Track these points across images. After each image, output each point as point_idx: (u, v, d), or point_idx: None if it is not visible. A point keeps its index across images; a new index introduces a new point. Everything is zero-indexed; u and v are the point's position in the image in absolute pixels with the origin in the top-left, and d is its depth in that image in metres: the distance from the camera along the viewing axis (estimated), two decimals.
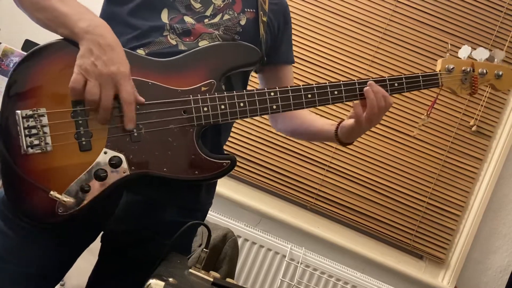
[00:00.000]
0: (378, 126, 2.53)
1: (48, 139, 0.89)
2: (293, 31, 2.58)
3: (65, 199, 0.88)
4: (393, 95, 1.11)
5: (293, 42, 2.54)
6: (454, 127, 2.54)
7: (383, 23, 2.58)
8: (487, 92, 2.51)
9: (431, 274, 2.55)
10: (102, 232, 1.08)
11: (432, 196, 2.53)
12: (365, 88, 1.06)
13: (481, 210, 2.50)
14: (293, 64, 1.34)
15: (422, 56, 2.56)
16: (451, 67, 1.16)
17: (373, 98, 1.05)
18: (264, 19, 1.12)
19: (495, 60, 1.19)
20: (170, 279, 0.78)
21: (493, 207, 2.53)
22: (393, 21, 2.58)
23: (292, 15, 2.72)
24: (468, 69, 1.17)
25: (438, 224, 2.53)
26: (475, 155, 2.55)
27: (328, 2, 2.59)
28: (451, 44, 1.55)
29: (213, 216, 2.31)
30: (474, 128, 2.53)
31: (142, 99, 0.93)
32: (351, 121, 1.11)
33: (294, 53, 2.52)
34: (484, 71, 1.18)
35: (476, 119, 2.54)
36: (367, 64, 2.57)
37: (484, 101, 2.54)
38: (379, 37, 2.58)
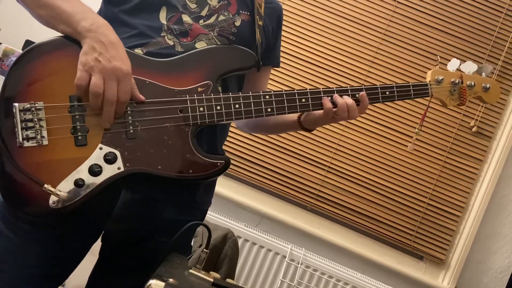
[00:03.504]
0: (378, 126, 2.53)
1: (44, 133, 0.90)
2: (293, 32, 2.61)
3: (58, 192, 0.88)
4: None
5: (293, 43, 2.57)
6: (454, 128, 2.54)
7: (383, 24, 2.58)
8: None
9: (431, 275, 2.55)
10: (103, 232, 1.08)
11: (432, 197, 2.53)
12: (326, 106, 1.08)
13: (481, 211, 2.50)
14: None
15: (422, 57, 2.56)
16: (441, 78, 1.19)
17: (329, 111, 1.08)
18: (260, 23, 1.13)
19: (483, 73, 1.22)
20: (170, 280, 0.78)
21: (493, 207, 2.53)
22: (393, 22, 2.58)
23: (292, 15, 2.74)
24: (457, 81, 1.20)
25: (438, 225, 2.52)
26: (475, 156, 2.55)
27: (328, 2, 2.59)
28: (440, 57, 1.58)
29: (213, 216, 2.31)
30: (474, 129, 2.53)
31: (142, 97, 0.94)
32: (319, 112, 1.12)
33: (295, 54, 2.56)
34: (472, 83, 1.21)
35: (476, 120, 2.54)
36: (367, 65, 2.57)
37: None
38: (379, 38, 2.58)
